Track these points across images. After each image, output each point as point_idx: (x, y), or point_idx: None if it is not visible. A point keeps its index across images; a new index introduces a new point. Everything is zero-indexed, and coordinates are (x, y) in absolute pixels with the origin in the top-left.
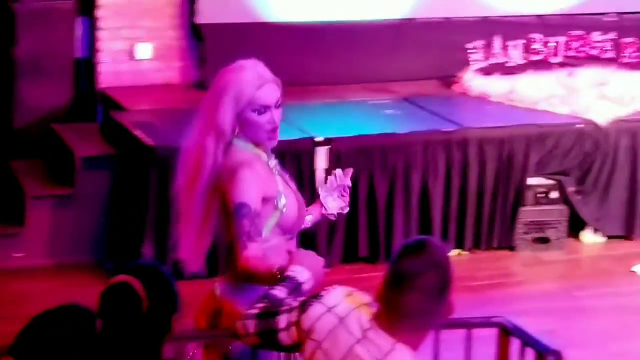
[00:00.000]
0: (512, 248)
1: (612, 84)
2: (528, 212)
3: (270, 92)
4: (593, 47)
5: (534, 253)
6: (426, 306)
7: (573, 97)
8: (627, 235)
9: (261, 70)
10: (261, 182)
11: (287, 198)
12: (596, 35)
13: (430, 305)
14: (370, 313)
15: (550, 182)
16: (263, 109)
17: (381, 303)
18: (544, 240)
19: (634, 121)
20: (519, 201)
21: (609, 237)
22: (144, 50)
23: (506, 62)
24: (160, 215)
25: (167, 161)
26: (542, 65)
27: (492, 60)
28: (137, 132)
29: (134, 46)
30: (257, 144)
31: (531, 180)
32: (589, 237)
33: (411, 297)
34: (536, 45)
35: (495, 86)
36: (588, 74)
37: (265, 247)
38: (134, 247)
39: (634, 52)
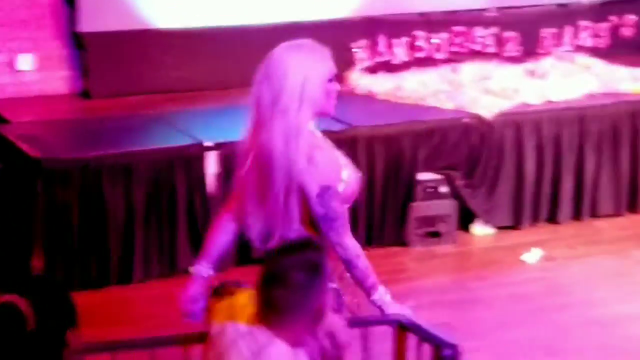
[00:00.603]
0: (404, 244)
1: (495, 78)
2: (418, 207)
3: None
4: (475, 43)
5: (426, 247)
6: (296, 302)
7: (458, 92)
8: (515, 226)
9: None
10: (334, 161)
11: (348, 169)
12: (478, 31)
13: (300, 301)
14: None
15: (439, 176)
16: (334, 76)
17: (258, 301)
18: (436, 235)
19: (517, 114)
20: (409, 197)
21: (498, 228)
22: (25, 62)
23: (391, 60)
24: (49, 227)
25: (54, 173)
26: (427, 61)
27: (377, 59)
28: (22, 145)
29: (15, 58)
30: (319, 116)
31: (420, 176)
32: (479, 229)
33: (280, 293)
34: (420, 43)
35: (381, 84)
36: (472, 69)
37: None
38: (23, 261)
39: (515, 45)
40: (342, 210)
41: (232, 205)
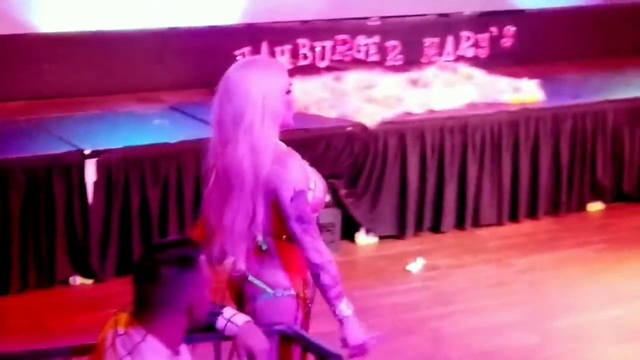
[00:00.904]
0: None
1: (378, 87)
2: None
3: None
4: (358, 51)
5: None
6: (165, 297)
7: (341, 101)
8: (399, 235)
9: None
10: (303, 168)
11: (315, 177)
12: (361, 39)
13: (170, 296)
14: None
15: None
16: (290, 88)
17: (132, 299)
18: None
19: (400, 122)
20: None
21: (382, 238)
22: None
23: None
24: None
25: None
26: (310, 69)
27: None
28: None
29: None
30: (281, 128)
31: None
32: (363, 239)
33: (150, 289)
34: (303, 51)
35: None
36: (355, 78)
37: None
38: None
39: (397, 54)
40: (313, 216)
41: (197, 231)
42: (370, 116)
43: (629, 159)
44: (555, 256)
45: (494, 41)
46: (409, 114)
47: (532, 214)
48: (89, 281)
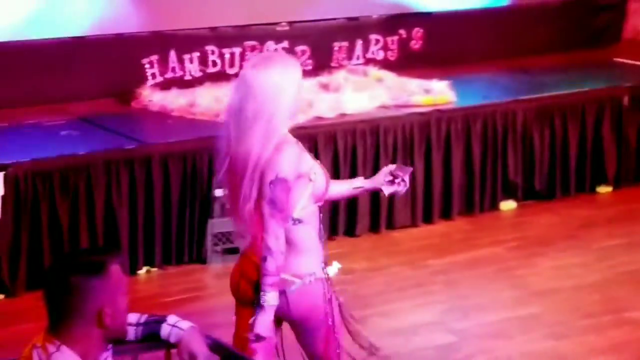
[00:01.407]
0: (203, 261)
1: None
2: (216, 224)
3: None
4: None
5: (225, 264)
6: (74, 305)
7: None
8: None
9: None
10: (298, 158)
11: (316, 168)
12: (270, 45)
13: (78, 304)
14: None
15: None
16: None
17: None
18: (235, 251)
19: (312, 127)
20: (206, 213)
21: None
22: None
23: (183, 75)
24: None
25: None
26: (220, 77)
27: (169, 75)
28: None
29: None
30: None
31: (217, 192)
32: None
33: (59, 298)
34: (212, 58)
35: (175, 100)
36: None
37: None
38: None
39: (307, 59)
40: (289, 206)
41: None
42: None
43: (539, 158)
44: (470, 256)
45: (403, 44)
46: (321, 118)
47: (446, 214)
48: (0, 296)
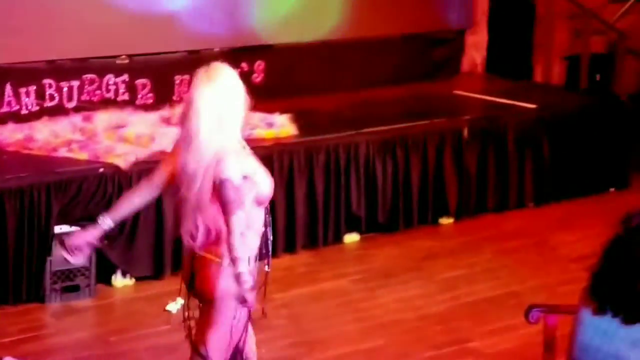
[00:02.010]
0: (41, 299)
1: (130, 126)
2: (55, 261)
3: None
4: (108, 90)
5: (65, 302)
6: None
7: (92, 142)
8: (157, 276)
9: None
10: (242, 163)
11: (260, 173)
12: (110, 78)
13: None
14: None
15: (76, 228)
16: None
17: None
18: (74, 289)
19: (154, 162)
20: (45, 251)
21: (140, 279)
22: None
23: (20, 109)
24: None
25: None
26: (58, 110)
27: (5, 109)
28: None
29: None
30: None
31: (57, 229)
32: (120, 281)
33: None
34: (49, 91)
35: (11, 135)
36: (105, 118)
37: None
38: None
39: (148, 93)
40: (239, 199)
41: (156, 177)
42: (123, 156)
43: (382, 190)
44: (314, 289)
45: (245, 77)
46: (163, 152)
47: (290, 248)
48: None
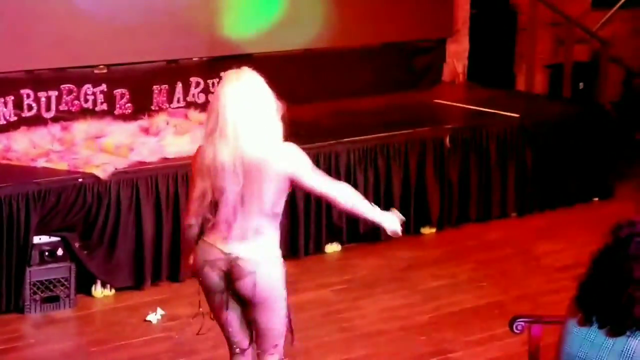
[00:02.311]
0: (21, 310)
1: (108, 136)
2: (35, 272)
3: None
4: (86, 100)
5: (44, 313)
6: None
7: (70, 152)
8: (137, 286)
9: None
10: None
11: None
12: (88, 88)
13: None
14: None
15: (56, 239)
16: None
17: None
18: (54, 299)
19: (133, 172)
20: (24, 261)
21: (120, 289)
22: None
23: None
24: None
25: None
26: (36, 121)
27: None
28: None
29: None
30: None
31: (36, 239)
32: (99, 291)
33: None
34: (28, 101)
35: None
36: (83, 128)
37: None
38: None
39: (126, 102)
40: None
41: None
42: (102, 167)
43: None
44: (296, 299)
45: None
46: (142, 162)
47: None
48: None
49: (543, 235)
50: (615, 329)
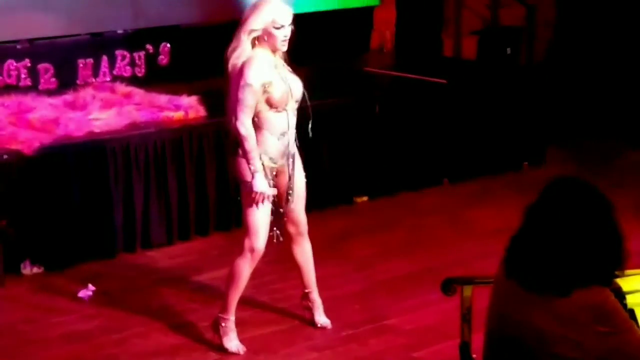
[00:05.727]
0: None
1: (34, 112)
2: None
3: (286, 15)
4: (9, 76)
5: None
6: None
7: None
8: (68, 264)
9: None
10: (262, 70)
11: (275, 84)
12: (11, 63)
13: None
14: None
15: None
16: (280, 26)
17: None
18: None
19: (60, 147)
20: None
21: (50, 268)
22: None
23: None
24: None
25: None
26: None
27: None
28: None
29: None
30: (274, 50)
31: None
32: (29, 270)
33: None
34: None
35: None
36: (9, 103)
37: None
38: None
39: (51, 77)
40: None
41: None
42: (27, 142)
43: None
44: (225, 272)
45: (151, 59)
46: (69, 137)
47: (203, 231)
48: None
49: (474, 201)
50: (531, 284)
